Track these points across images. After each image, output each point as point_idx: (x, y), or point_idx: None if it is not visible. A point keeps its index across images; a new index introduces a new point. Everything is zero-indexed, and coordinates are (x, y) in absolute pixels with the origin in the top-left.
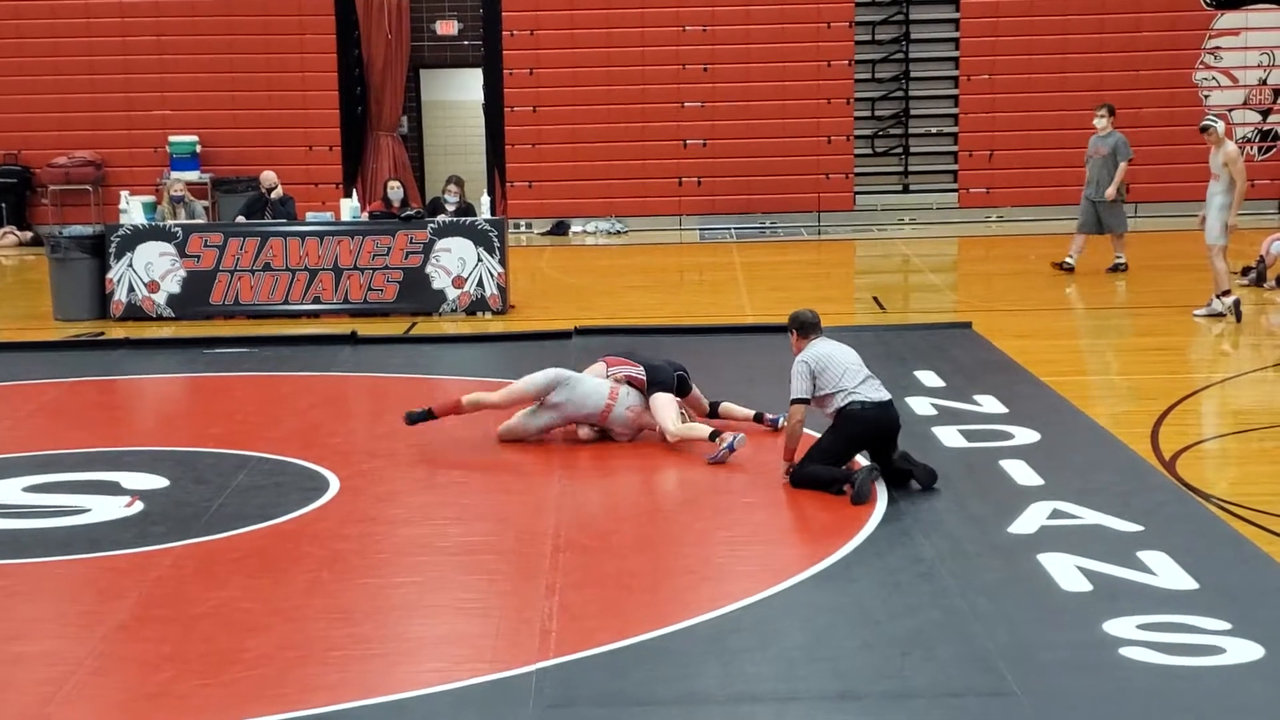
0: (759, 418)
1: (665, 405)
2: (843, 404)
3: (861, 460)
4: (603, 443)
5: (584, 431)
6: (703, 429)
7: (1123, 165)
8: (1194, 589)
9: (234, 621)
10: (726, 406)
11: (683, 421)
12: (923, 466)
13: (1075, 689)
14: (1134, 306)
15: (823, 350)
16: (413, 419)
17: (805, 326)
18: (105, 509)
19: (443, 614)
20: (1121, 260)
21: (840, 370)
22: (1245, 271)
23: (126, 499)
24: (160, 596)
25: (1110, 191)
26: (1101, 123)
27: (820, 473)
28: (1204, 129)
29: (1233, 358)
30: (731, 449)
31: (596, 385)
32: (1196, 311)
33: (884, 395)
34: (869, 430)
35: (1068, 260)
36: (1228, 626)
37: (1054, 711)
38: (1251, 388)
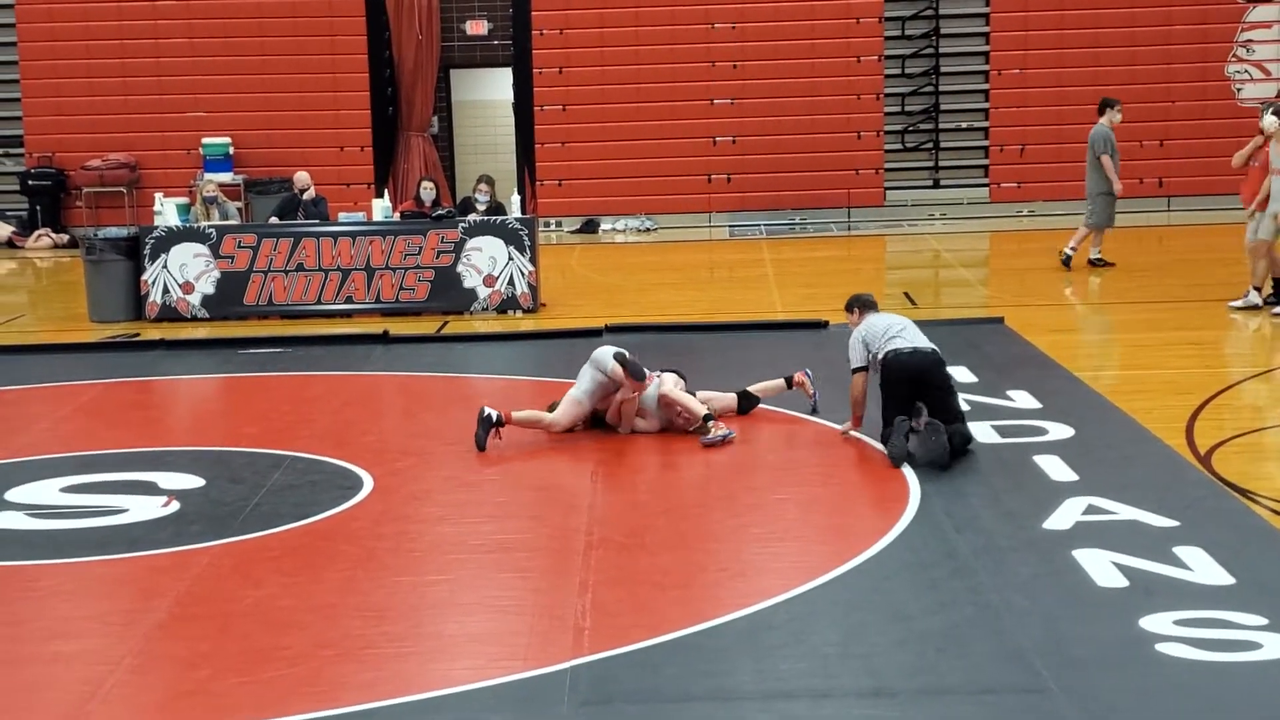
0: (789, 382)
1: (686, 397)
2: (881, 356)
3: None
4: (634, 439)
5: (620, 393)
6: (778, 381)
7: (1103, 159)
8: (1230, 584)
9: (271, 620)
10: (759, 387)
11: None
12: (941, 442)
13: (1111, 685)
14: (1168, 300)
15: (875, 323)
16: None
17: (863, 304)
18: (142, 509)
19: (477, 612)
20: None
21: (886, 335)
22: None
23: (163, 499)
24: (198, 595)
25: (1118, 187)
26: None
27: (885, 433)
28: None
29: (1268, 352)
30: (725, 438)
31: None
32: (1232, 303)
33: (924, 344)
34: (905, 374)
35: (1095, 256)
36: (1265, 622)
37: (1090, 708)
38: None
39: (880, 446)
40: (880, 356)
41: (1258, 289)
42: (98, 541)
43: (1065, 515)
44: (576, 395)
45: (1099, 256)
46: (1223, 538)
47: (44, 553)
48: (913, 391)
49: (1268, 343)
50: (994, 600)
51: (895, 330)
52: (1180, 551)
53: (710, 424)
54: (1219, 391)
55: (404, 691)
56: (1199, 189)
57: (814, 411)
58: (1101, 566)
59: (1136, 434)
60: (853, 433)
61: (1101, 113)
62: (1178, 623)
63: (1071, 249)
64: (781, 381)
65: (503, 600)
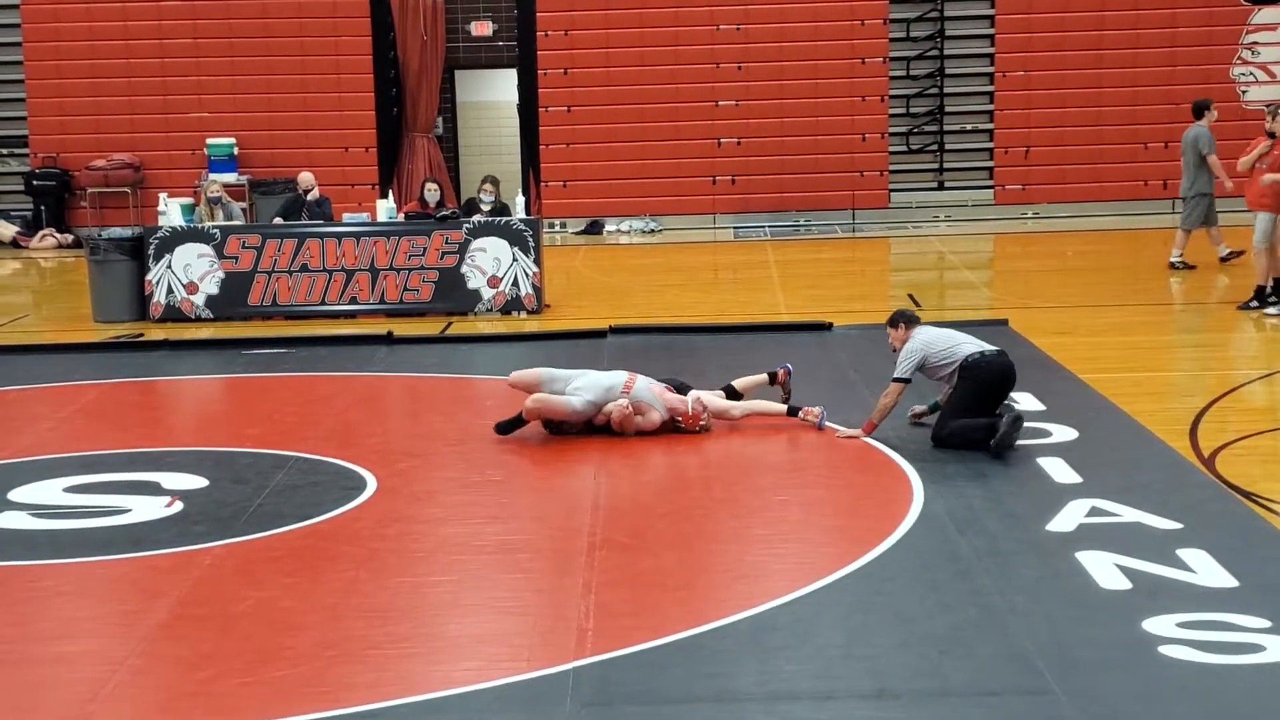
0: (773, 377)
1: (706, 395)
2: (962, 358)
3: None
4: (638, 440)
5: (616, 413)
6: (779, 406)
7: (1210, 158)
8: (1234, 587)
9: (273, 620)
10: (742, 381)
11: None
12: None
13: (1114, 687)
14: (1171, 303)
15: (930, 334)
16: (503, 428)
17: (909, 320)
18: (146, 509)
19: (480, 613)
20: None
21: (952, 342)
22: None
23: (167, 499)
24: (200, 595)
25: (1229, 184)
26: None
27: (960, 426)
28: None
29: (1273, 354)
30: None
31: (610, 372)
32: (1269, 311)
33: (996, 347)
34: (995, 374)
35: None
36: (1268, 624)
37: (1093, 710)
38: None
39: (884, 447)
40: (964, 358)
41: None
42: (100, 542)
43: (1068, 517)
44: (575, 404)
45: (1180, 259)
46: (1226, 540)
47: (47, 553)
48: (997, 394)
49: (1272, 345)
50: (997, 602)
51: (959, 337)
52: (1184, 554)
53: (801, 412)
54: (1223, 394)
55: (407, 692)
56: None
57: (786, 400)
58: (1105, 569)
59: (1140, 436)
60: (848, 433)
61: (1199, 115)
62: (1181, 625)
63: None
64: (764, 376)
65: (506, 601)
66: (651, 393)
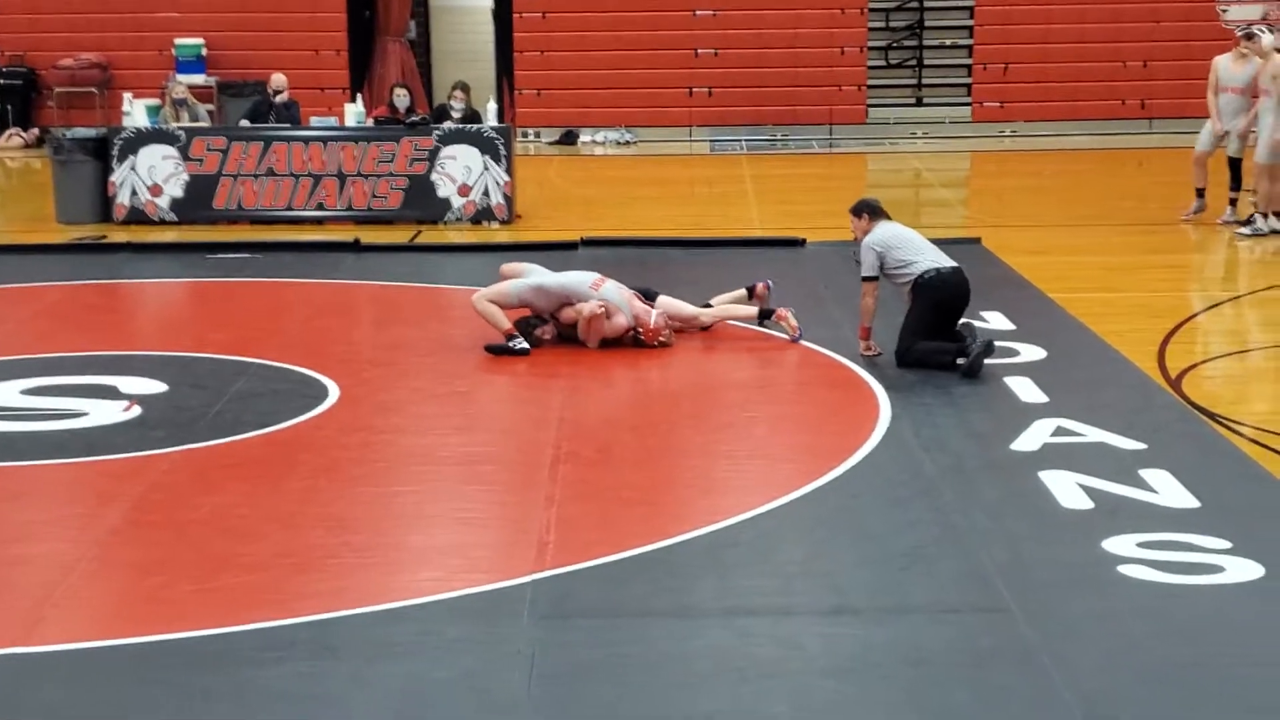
0: (751, 291)
1: (674, 301)
2: (918, 274)
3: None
4: (607, 354)
5: (587, 308)
6: (750, 308)
7: None
8: (1195, 507)
9: (229, 528)
10: (720, 298)
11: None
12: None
13: (1072, 606)
14: (1146, 224)
15: (888, 231)
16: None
17: (873, 210)
18: (103, 413)
19: (441, 524)
20: None
21: (909, 246)
22: None
23: (124, 403)
24: (156, 501)
25: None
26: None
27: (927, 348)
28: (1248, 36)
29: (1243, 276)
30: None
31: (578, 272)
32: (1241, 230)
33: (953, 263)
34: (949, 293)
35: None
36: (1228, 545)
37: (1050, 628)
38: (1260, 307)
39: (853, 364)
40: (919, 274)
41: (1264, 215)
42: (56, 445)
43: (1033, 437)
44: (526, 283)
45: None
46: (1189, 461)
47: (1, 455)
48: (952, 311)
49: (1241, 267)
50: (959, 521)
51: (918, 245)
52: (1146, 474)
53: (775, 315)
54: (1192, 315)
55: (365, 602)
56: (1182, 111)
57: (763, 314)
58: (1067, 488)
59: (1108, 357)
60: (868, 352)
61: None
62: (1141, 545)
63: None
64: (742, 292)
65: (467, 512)
66: (620, 296)
